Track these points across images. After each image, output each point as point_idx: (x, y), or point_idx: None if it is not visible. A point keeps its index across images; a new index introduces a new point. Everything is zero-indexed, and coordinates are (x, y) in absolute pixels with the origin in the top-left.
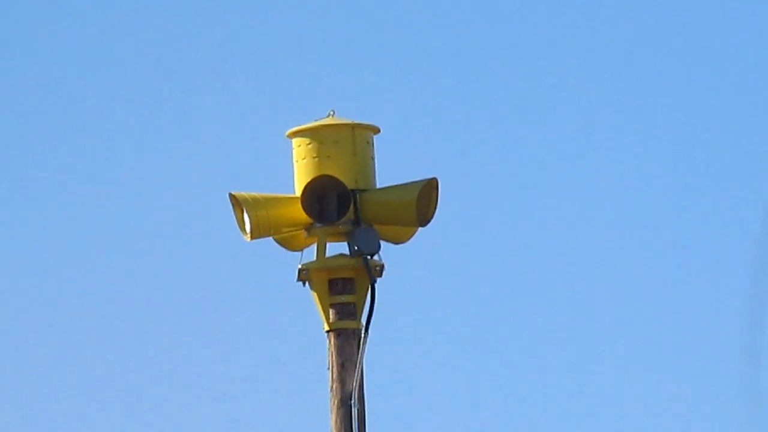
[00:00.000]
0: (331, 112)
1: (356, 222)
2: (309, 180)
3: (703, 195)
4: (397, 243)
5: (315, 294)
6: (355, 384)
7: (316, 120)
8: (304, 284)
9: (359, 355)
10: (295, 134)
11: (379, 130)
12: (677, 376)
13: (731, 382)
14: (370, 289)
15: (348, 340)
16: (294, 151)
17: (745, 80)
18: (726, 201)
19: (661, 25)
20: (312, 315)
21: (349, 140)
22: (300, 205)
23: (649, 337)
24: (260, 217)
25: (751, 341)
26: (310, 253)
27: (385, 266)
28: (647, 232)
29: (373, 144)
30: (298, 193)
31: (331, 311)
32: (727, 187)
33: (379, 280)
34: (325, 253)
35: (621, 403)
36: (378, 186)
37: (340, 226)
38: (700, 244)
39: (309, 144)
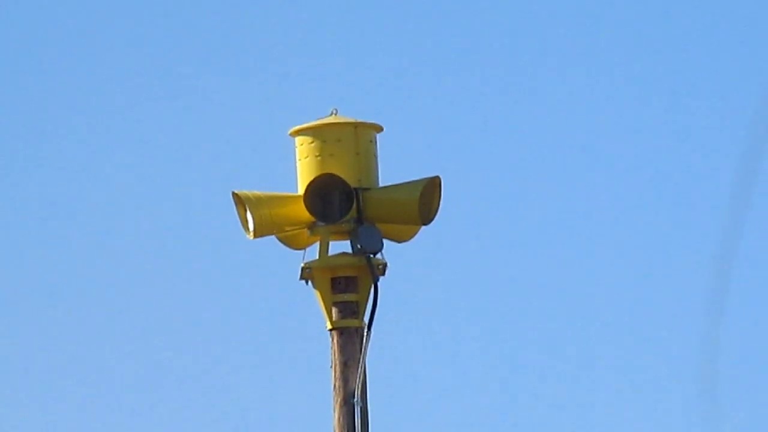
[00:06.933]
0: (334, 111)
1: (359, 220)
2: (312, 178)
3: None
4: (399, 241)
5: (318, 292)
6: (358, 382)
7: (319, 118)
8: (306, 283)
9: (362, 354)
10: (298, 133)
11: (382, 129)
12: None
13: (689, 378)
14: (372, 287)
15: (351, 339)
16: (297, 150)
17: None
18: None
19: (660, 26)
20: (315, 313)
21: (352, 139)
22: (303, 204)
23: (649, 334)
24: (263, 216)
25: (709, 338)
26: (313, 252)
27: (388, 265)
28: (648, 232)
29: (376, 142)
30: (301, 191)
31: (333, 310)
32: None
33: (381, 278)
34: (327, 251)
35: (630, 404)
36: (381, 184)
37: (343, 225)
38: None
39: (312, 142)
